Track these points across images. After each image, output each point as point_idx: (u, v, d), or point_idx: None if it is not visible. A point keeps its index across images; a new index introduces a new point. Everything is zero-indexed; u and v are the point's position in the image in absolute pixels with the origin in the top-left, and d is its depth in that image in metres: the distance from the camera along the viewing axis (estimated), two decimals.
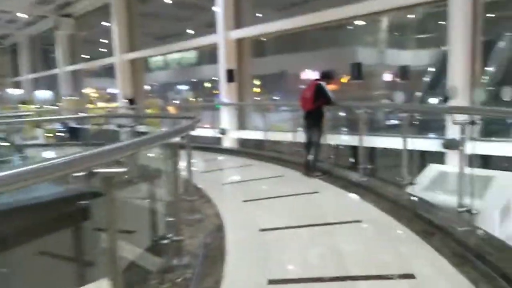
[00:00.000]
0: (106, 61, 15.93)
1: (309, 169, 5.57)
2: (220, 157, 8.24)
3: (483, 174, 4.21)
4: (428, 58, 11.00)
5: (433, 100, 8.64)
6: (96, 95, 20.42)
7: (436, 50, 9.91)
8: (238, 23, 10.47)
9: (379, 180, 4.99)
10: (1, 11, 17.30)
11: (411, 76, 9.71)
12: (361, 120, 5.04)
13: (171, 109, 12.57)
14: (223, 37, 10.38)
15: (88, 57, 18.70)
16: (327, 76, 5.77)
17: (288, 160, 6.64)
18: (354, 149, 6.39)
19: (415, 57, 11.95)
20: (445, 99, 6.01)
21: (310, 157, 5.58)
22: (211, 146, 8.47)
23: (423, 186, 4.38)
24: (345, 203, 4.49)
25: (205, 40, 11.33)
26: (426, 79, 10.05)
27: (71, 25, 18.29)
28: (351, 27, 11.96)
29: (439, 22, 7.93)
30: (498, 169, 4.86)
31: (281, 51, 14.97)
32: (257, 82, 13.40)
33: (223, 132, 10.81)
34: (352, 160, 6.50)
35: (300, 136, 6.07)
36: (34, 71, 23.26)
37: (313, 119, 5.56)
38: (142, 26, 15.11)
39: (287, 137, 7.54)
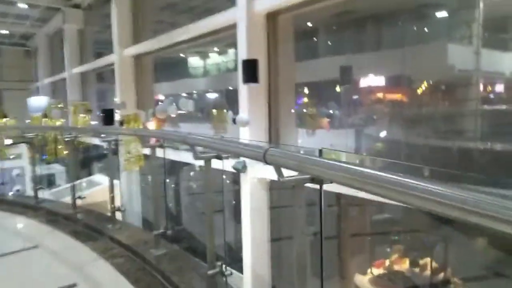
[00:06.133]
0: (104, 60, 12.39)
1: None
2: None
3: None
4: None
5: None
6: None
7: None
8: None
9: None
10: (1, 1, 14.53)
11: None
12: None
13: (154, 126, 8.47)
14: (244, 11, 6.23)
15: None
16: None
17: None
18: None
19: None
20: None
21: None
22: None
23: None
24: None
25: (221, 19, 7.18)
26: None
27: (79, 18, 15.20)
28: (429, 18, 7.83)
29: None
30: None
31: (339, 52, 10.67)
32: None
33: (240, 168, 6.61)
34: None
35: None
36: (52, 75, 20.67)
37: None
38: (150, 16, 11.47)
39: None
